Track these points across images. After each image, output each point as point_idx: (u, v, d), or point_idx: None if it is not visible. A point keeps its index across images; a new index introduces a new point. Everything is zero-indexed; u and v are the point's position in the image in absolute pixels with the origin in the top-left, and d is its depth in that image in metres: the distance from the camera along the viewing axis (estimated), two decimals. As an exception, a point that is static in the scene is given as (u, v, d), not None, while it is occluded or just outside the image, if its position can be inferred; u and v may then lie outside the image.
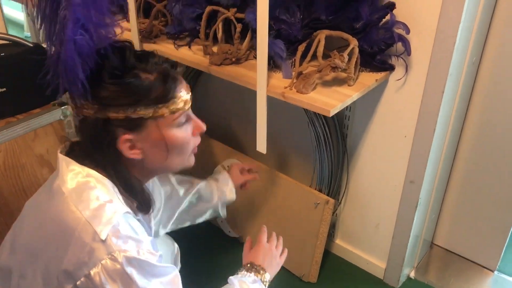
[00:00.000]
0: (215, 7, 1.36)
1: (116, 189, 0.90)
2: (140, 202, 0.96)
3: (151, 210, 1.00)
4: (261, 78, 1.20)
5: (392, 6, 1.21)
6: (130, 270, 0.81)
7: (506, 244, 1.67)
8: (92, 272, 0.80)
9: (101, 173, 0.89)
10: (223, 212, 1.45)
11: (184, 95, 0.91)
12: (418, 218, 1.56)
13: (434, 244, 1.86)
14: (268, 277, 1.15)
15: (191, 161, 1.01)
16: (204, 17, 1.37)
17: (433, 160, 1.43)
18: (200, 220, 1.43)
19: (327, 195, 1.60)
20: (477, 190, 1.62)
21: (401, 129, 1.41)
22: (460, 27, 1.15)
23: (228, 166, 1.52)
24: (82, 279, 0.81)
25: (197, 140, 1.00)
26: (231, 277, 1.10)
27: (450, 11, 1.14)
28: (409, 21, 1.21)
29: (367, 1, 1.20)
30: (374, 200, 1.62)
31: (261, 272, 1.14)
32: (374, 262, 1.74)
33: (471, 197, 1.65)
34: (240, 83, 1.30)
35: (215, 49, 1.39)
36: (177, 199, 1.34)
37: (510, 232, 1.63)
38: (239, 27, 1.32)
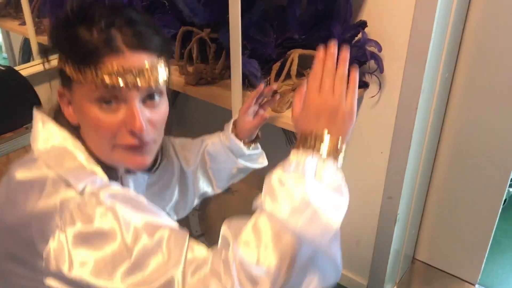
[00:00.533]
0: (189, 28, 1.36)
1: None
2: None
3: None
4: (236, 98, 1.20)
5: (363, 24, 1.23)
6: (111, 202, 0.68)
7: (486, 257, 1.68)
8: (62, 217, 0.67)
9: (77, 137, 0.78)
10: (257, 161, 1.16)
11: (117, 66, 0.71)
12: (398, 233, 1.56)
13: (415, 259, 1.86)
14: (338, 143, 0.75)
15: (122, 160, 0.78)
16: (178, 37, 1.37)
17: (410, 175, 1.44)
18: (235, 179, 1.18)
19: (307, 212, 1.60)
20: (455, 203, 1.64)
21: (377, 145, 1.41)
22: (431, 43, 1.17)
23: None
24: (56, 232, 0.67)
25: (127, 139, 0.75)
26: (266, 178, 0.76)
27: (420, 28, 1.16)
28: (381, 39, 1.23)
29: (339, 20, 1.22)
30: (353, 216, 1.62)
31: (320, 140, 0.74)
32: (356, 279, 1.74)
33: (450, 211, 1.66)
34: (216, 102, 1.30)
35: (190, 69, 1.39)
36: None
37: (490, 244, 1.65)
38: (213, 47, 1.33)
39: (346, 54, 0.78)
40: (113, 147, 0.76)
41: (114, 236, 0.66)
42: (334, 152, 0.74)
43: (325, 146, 0.74)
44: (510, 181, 1.50)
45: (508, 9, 1.25)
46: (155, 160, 0.90)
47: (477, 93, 1.41)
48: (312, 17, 1.22)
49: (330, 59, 0.78)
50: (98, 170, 0.76)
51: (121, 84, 0.71)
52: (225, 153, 1.13)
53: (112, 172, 0.81)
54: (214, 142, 1.14)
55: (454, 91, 1.45)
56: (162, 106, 0.79)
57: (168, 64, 0.79)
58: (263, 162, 1.19)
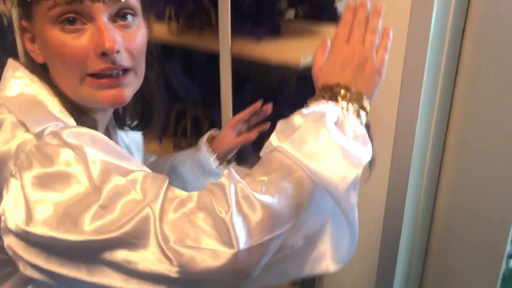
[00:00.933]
0: (183, 106, 1.41)
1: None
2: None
3: None
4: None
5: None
6: (76, 141, 0.59)
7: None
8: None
9: (50, 87, 0.70)
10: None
11: None
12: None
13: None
14: (363, 96, 0.67)
15: (90, 95, 0.67)
16: (173, 115, 1.42)
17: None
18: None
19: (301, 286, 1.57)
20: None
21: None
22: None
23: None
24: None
25: (98, 63, 0.65)
26: (279, 121, 0.67)
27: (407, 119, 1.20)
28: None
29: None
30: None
31: (343, 92, 0.66)
32: None
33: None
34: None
35: (184, 144, 1.42)
36: None
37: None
38: (206, 124, 1.36)
39: (380, 7, 0.71)
40: (82, 79, 0.66)
41: (79, 177, 0.56)
42: (357, 108, 0.66)
43: (348, 99, 0.65)
44: None
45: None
46: (144, 113, 0.80)
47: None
48: (301, 98, 1.27)
49: (362, 8, 0.70)
50: (71, 121, 0.66)
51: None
52: (191, 169, 1.02)
53: (89, 123, 0.69)
54: (183, 158, 1.04)
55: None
56: (138, 31, 0.69)
57: None
58: None
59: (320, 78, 0.69)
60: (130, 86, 0.69)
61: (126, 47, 0.66)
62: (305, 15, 1.32)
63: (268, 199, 0.56)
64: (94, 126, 0.71)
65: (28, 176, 0.56)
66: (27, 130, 0.60)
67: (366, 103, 0.67)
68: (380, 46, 0.70)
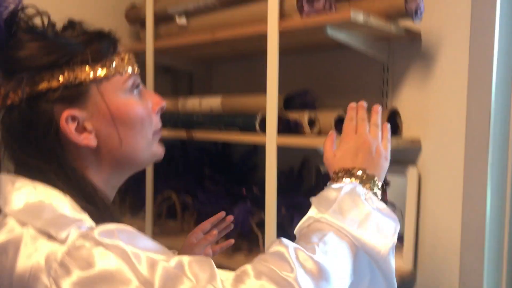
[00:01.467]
0: (170, 193, 1.59)
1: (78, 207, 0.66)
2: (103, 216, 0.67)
3: None
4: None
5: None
6: (109, 239, 0.57)
7: None
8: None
9: (54, 188, 0.66)
10: None
11: (129, 55, 0.74)
12: None
13: None
14: (375, 178, 0.76)
15: (158, 149, 0.77)
16: (158, 200, 1.60)
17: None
18: None
19: None
20: None
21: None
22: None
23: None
24: None
25: (158, 121, 0.77)
26: (311, 198, 0.75)
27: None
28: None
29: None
30: None
31: (361, 175, 0.75)
32: None
33: None
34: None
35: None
36: None
37: None
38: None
39: (377, 107, 0.84)
40: (152, 137, 0.76)
41: (124, 274, 0.54)
42: (373, 187, 0.75)
43: (365, 180, 0.75)
44: None
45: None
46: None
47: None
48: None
49: (362, 109, 0.83)
50: (85, 217, 0.64)
51: (137, 70, 0.74)
52: None
53: (106, 216, 0.68)
54: None
55: None
56: None
57: None
58: None
59: (335, 163, 0.78)
60: None
61: None
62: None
63: (325, 261, 0.62)
64: (109, 213, 0.70)
65: (68, 284, 0.54)
66: (49, 238, 0.58)
67: (379, 184, 0.76)
68: (383, 137, 0.82)
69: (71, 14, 0.74)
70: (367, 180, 0.75)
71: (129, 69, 0.72)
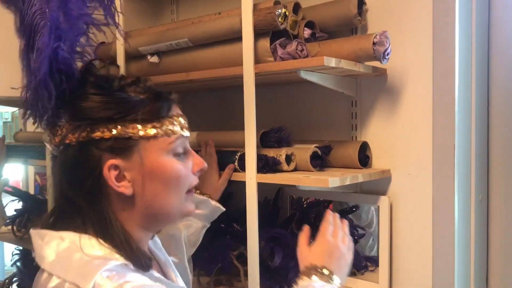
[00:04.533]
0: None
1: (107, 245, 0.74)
2: (137, 263, 0.75)
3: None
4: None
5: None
6: None
7: None
8: None
9: (85, 233, 0.74)
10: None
11: (181, 119, 0.81)
12: None
13: None
14: (338, 281, 0.88)
15: (189, 206, 0.84)
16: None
17: None
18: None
19: None
20: None
21: None
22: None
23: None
24: None
25: (195, 180, 0.85)
26: None
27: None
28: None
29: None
30: None
31: (328, 275, 0.88)
32: None
33: None
34: None
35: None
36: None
37: None
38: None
39: (345, 221, 1.02)
40: (186, 196, 0.82)
41: None
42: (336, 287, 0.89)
43: (336, 280, 0.88)
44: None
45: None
46: None
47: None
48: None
49: (337, 218, 1.01)
50: (112, 255, 0.73)
51: (186, 133, 0.82)
52: (202, 227, 1.23)
53: (134, 257, 0.75)
54: (191, 226, 1.21)
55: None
56: None
57: None
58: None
59: (311, 258, 0.92)
60: None
61: None
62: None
63: None
64: (139, 255, 0.76)
65: None
66: None
67: (339, 285, 0.89)
68: (350, 250, 0.96)
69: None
70: (332, 280, 0.88)
71: (178, 133, 0.79)
